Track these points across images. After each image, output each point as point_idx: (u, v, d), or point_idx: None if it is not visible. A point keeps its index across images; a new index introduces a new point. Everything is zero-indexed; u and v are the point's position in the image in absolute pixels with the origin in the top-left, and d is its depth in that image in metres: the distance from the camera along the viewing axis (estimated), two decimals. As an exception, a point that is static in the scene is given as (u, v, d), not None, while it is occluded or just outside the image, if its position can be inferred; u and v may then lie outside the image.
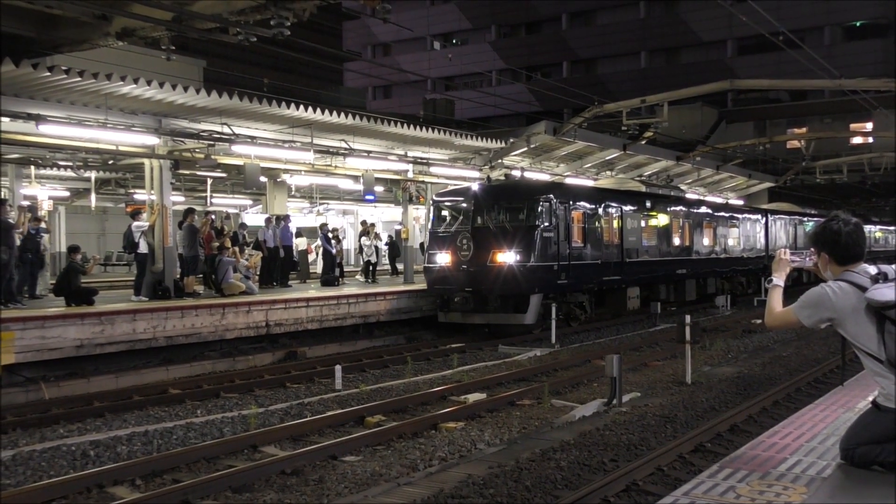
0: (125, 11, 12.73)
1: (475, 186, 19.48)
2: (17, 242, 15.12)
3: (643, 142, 28.47)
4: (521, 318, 17.96)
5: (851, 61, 43.92)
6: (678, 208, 25.57)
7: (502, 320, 18.24)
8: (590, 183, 27.06)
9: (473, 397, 11.76)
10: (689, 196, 29.03)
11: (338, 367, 13.21)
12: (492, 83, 59.57)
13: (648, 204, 23.51)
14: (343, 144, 19.83)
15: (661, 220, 24.18)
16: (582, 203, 19.95)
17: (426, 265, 19.53)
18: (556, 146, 25.58)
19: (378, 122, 19.78)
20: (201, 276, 18.66)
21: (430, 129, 21.30)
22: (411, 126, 20.71)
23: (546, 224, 18.16)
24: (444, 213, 19.50)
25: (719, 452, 8.28)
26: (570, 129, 24.23)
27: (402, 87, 63.01)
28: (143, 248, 16.53)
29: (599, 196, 21.33)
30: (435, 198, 20.69)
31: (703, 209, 27.80)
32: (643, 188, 24.89)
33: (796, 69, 29.39)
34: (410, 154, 22.45)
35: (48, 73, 13.27)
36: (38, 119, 14.06)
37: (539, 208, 18.13)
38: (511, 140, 24.18)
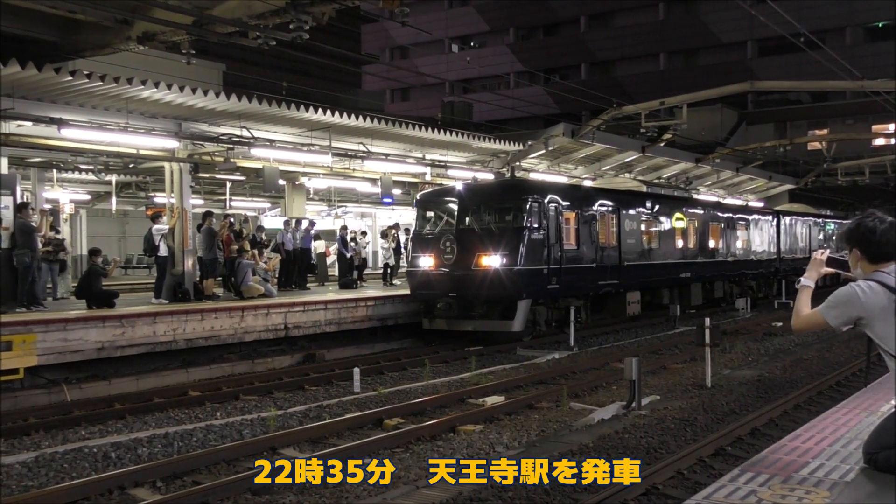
0: (146, 16, 12.86)
1: (460, 186, 18.61)
2: (39, 245, 15.27)
3: (662, 144, 28.36)
4: (508, 325, 16.95)
5: (873, 62, 43.44)
6: (682, 209, 24.44)
7: (488, 327, 17.25)
8: (586, 183, 26.35)
9: (492, 400, 11.75)
10: (694, 196, 28.07)
11: (356, 370, 13.22)
12: (510, 85, 59.61)
13: (649, 204, 22.51)
14: (361, 147, 19.88)
15: (664, 221, 23.16)
16: (575, 203, 18.92)
17: (408, 269, 18.66)
18: (575, 148, 25.52)
19: (396, 125, 19.83)
20: (220, 278, 18.76)
21: (447, 132, 21.32)
22: (429, 129, 20.74)
23: (535, 225, 17.15)
24: (429, 213, 18.57)
25: (740, 456, 8.21)
26: (588, 132, 24.16)
27: (420, 89, 63.09)
28: (163, 250, 16.64)
29: (594, 196, 20.33)
30: (419, 197, 19.85)
31: (710, 210, 26.75)
32: (644, 188, 23.93)
33: (817, 70, 29.12)
34: (428, 157, 22.49)
35: (70, 78, 13.41)
36: (60, 123, 14.20)
37: (527, 209, 17.09)
38: (529, 142, 24.15)
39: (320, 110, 17.51)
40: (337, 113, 17.93)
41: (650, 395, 11.94)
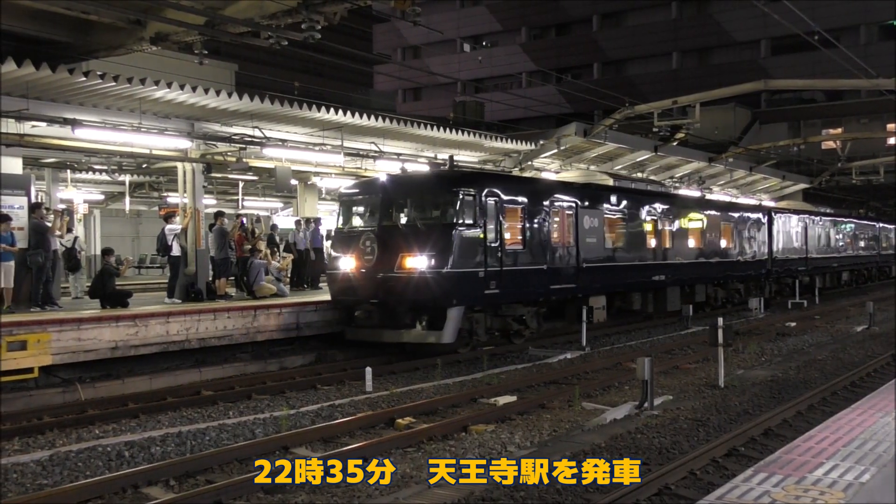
0: (159, 16, 12.93)
1: (384, 177, 16.65)
2: (54, 246, 15.36)
3: (675, 143, 28.28)
4: (436, 336, 14.80)
5: (888, 61, 43.11)
6: (655, 205, 21.71)
7: (413, 338, 15.18)
8: (548, 175, 24.64)
9: (503, 400, 11.73)
10: (670, 191, 26.00)
11: (368, 369, 13.22)
12: (522, 85, 59.55)
13: (614, 199, 19.88)
14: (373, 147, 19.90)
15: (633, 218, 20.66)
16: (520, 198, 16.47)
17: (328, 271, 16.83)
18: (587, 148, 25.47)
19: (408, 125, 19.84)
20: (233, 278, 18.81)
21: (459, 132, 21.33)
22: (441, 128, 20.75)
23: (468, 222, 14.94)
24: (354, 208, 16.50)
25: (753, 457, 8.17)
26: (600, 131, 24.12)
27: (432, 89, 63.13)
28: (175, 250, 16.70)
29: (544, 190, 18.06)
30: (342, 191, 17.93)
31: (688, 206, 24.22)
32: (611, 181, 21.68)
33: (831, 69, 28.97)
34: (440, 156, 22.47)
35: (83, 78, 13.49)
36: (74, 123, 14.28)
37: (459, 203, 14.90)
38: (541, 142, 24.13)
39: (332, 110, 17.54)
40: (349, 113, 17.95)
41: (663, 395, 11.90)
